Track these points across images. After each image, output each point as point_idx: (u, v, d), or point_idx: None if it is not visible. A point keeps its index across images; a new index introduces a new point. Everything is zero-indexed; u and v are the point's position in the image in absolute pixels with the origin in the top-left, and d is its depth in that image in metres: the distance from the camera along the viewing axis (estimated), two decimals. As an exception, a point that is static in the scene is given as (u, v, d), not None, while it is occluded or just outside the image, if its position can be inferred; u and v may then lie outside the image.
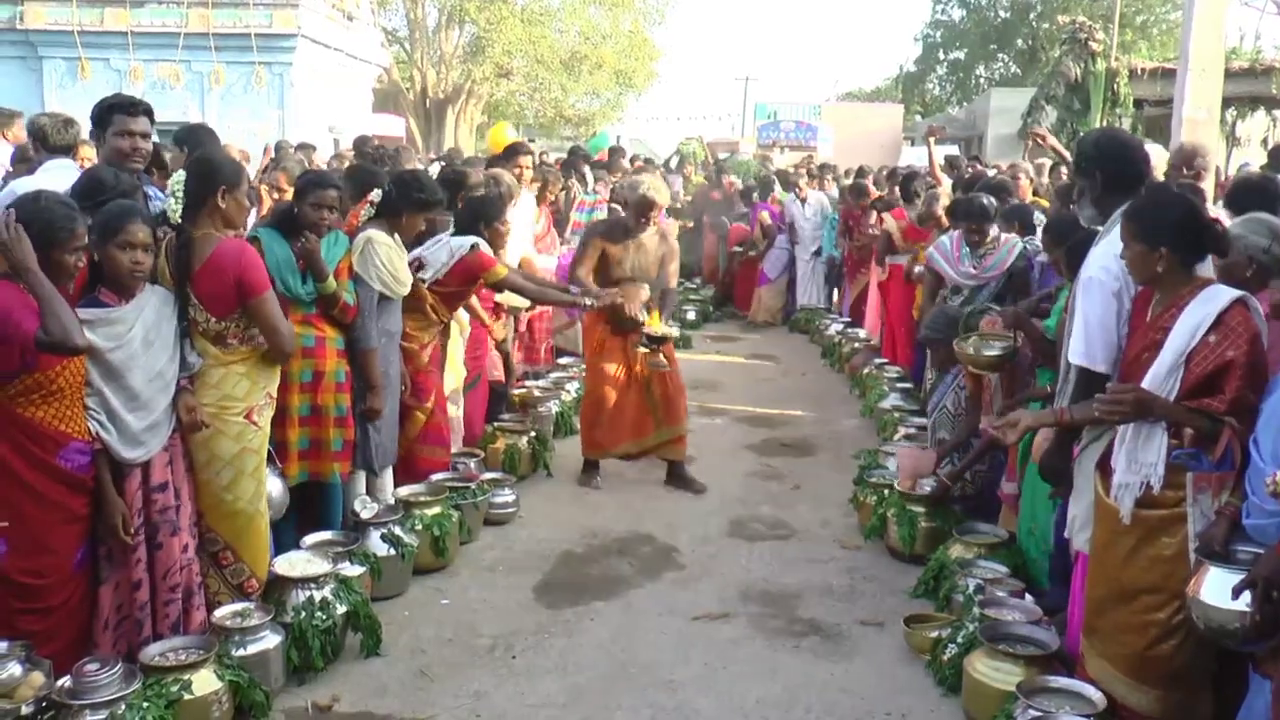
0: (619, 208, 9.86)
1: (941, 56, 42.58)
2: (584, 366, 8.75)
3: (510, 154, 8.20)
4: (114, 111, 4.50)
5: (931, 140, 10.67)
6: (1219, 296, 3.28)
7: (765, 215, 12.62)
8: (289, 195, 6.25)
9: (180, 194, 3.97)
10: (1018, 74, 37.29)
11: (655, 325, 6.31)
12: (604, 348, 6.52)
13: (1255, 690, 2.95)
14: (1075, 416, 3.61)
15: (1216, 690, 3.34)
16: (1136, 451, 3.37)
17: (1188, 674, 3.34)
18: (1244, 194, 4.51)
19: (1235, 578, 2.84)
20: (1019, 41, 38.45)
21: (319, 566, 4.31)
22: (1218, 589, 2.89)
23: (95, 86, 15.84)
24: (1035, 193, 8.77)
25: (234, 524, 4.05)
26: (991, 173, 9.37)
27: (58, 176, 4.54)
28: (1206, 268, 3.51)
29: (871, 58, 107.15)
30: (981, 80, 40.68)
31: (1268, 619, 2.78)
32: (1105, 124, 18.76)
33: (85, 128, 5.07)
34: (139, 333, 3.64)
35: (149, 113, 4.59)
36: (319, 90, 19.16)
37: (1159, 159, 5.98)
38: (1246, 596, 2.78)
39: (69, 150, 5.21)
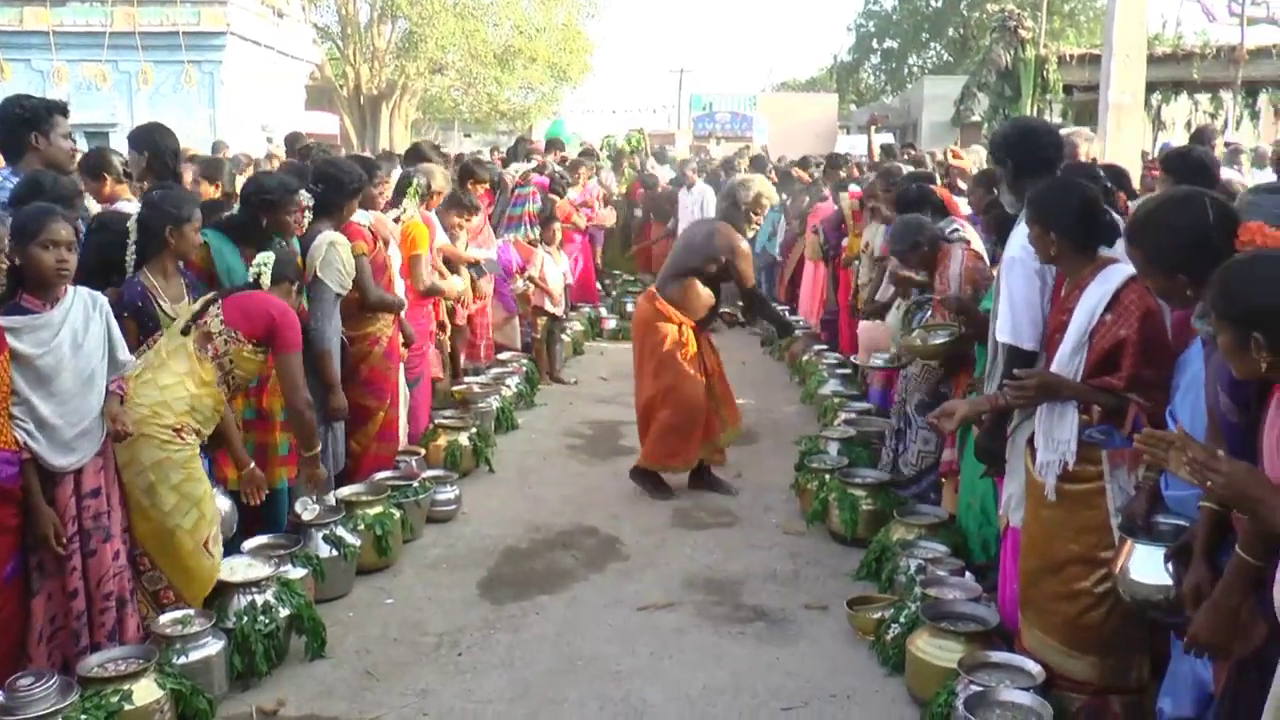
0: (556, 197, 9.85)
1: (875, 46, 43.05)
2: (515, 358, 8.76)
3: (465, 175, 8.17)
4: (54, 112, 4.37)
5: (873, 129, 10.81)
6: (1114, 276, 3.40)
7: None
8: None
9: (267, 269, 4.32)
10: (950, 62, 37.78)
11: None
12: (686, 345, 6.18)
13: (1179, 657, 3.03)
14: (1009, 399, 3.68)
15: (1150, 653, 3.43)
16: (1052, 430, 3.48)
17: (1119, 639, 3.44)
18: (1178, 161, 4.81)
19: (1157, 552, 2.92)
20: (950, 30, 38.96)
21: (260, 570, 4.26)
22: (1140, 564, 2.97)
23: (16, 88, 15.42)
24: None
25: (151, 533, 3.92)
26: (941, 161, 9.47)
27: None
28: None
29: (805, 48, 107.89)
30: (914, 69, 41.20)
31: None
32: (1036, 110, 19.09)
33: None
34: (67, 336, 3.54)
35: None
36: (251, 88, 18.91)
37: (1087, 142, 6.11)
38: (1169, 570, 2.86)
39: None
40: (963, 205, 6.98)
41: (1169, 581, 2.83)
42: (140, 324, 4.08)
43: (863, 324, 6.29)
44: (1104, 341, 3.33)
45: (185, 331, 4.04)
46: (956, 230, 6.03)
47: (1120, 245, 3.58)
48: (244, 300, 4.20)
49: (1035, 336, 3.71)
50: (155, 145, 5.34)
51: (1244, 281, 2.26)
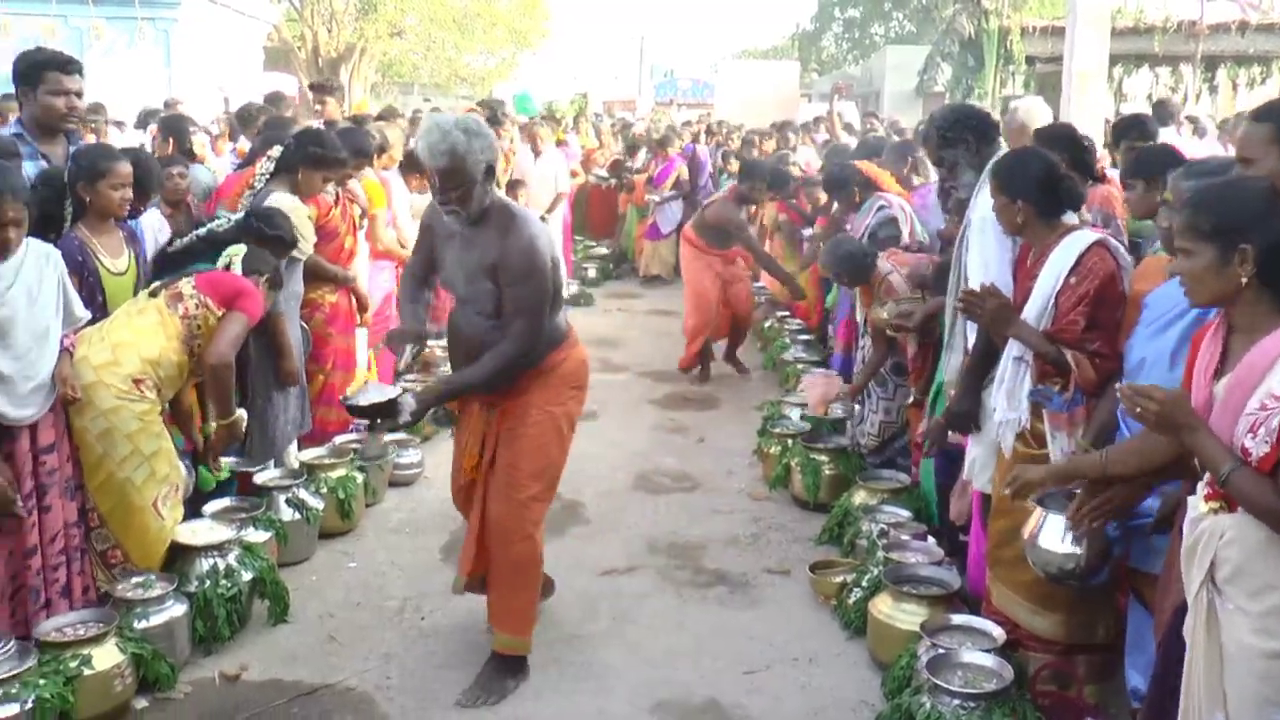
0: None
1: (837, 14, 42.97)
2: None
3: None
4: (47, 69, 4.31)
5: (836, 97, 10.81)
6: (1079, 241, 3.47)
7: (684, 168, 12.32)
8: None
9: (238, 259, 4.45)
10: (913, 32, 37.73)
11: (363, 382, 3.64)
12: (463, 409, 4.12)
13: (1139, 628, 3.09)
14: (959, 309, 3.84)
15: (1116, 611, 3.48)
16: (1015, 390, 3.54)
17: (1087, 597, 3.48)
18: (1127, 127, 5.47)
19: (1064, 521, 2.99)
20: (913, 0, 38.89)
21: (222, 533, 4.23)
22: (1050, 533, 3.05)
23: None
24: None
25: (103, 486, 3.85)
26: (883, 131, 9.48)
27: None
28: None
29: (768, 16, 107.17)
30: (877, 38, 41.11)
31: (1095, 554, 2.97)
32: (999, 80, 19.17)
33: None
34: (21, 289, 3.48)
35: (81, 70, 4.43)
36: (207, 48, 18.52)
37: (1043, 114, 6.11)
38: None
39: None
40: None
41: (1078, 550, 2.90)
42: (81, 279, 4.02)
43: (808, 378, 6.33)
44: (1068, 303, 3.40)
45: (154, 294, 4.08)
46: (883, 207, 6.05)
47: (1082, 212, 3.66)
48: (215, 275, 4.31)
49: (1010, 292, 3.77)
50: None
51: (1229, 196, 2.29)
